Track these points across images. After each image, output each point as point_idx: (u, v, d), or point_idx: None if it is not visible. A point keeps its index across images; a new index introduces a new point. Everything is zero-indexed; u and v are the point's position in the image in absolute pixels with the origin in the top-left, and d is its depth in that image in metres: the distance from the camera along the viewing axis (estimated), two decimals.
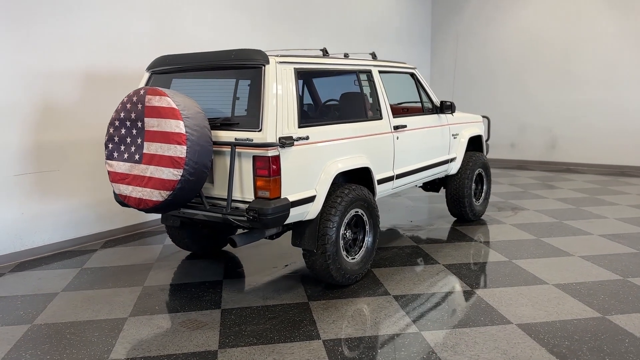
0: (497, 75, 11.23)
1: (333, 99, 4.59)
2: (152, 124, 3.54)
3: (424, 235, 5.61)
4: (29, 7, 4.93)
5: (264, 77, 3.61)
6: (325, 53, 4.25)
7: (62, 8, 5.18)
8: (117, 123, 3.74)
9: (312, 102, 4.36)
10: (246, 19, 7.15)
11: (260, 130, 3.53)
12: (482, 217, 6.36)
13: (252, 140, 3.53)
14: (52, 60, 5.15)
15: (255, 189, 3.56)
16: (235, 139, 3.61)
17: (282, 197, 3.58)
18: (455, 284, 4.17)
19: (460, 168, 5.97)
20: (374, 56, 4.87)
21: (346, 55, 4.51)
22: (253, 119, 3.60)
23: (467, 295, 3.96)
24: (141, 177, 3.60)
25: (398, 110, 6.07)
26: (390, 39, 10.57)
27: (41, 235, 5.22)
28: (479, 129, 6.38)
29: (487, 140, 6.88)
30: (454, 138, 5.81)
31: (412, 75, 5.32)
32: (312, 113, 4.30)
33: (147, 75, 4.33)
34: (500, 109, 11.27)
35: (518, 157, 11.16)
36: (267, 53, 3.75)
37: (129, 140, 3.68)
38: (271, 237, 4.11)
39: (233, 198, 3.70)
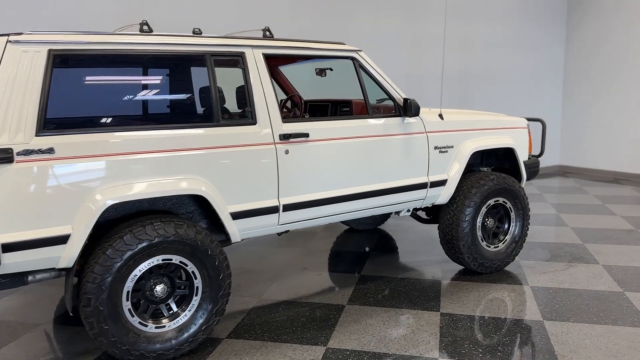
0: None
1: (141, 94, 3.23)
2: None
3: (367, 291, 3.92)
4: None
5: None
6: (145, 29, 2.97)
7: None
8: None
9: (101, 100, 3.08)
10: None
11: None
12: (505, 268, 4.33)
13: None
14: None
15: None
16: None
17: None
18: None
19: (454, 196, 4.08)
20: (266, 33, 3.39)
21: (197, 32, 3.15)
22: None
23: None
24: None
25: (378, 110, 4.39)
26: (503, 15, 8.35)
27: None
28: (511, 139, 4.34)
29: (539, 155, 4.72)
30: (440, 152, 3.95)
31: (353, 61, 3.66)
32: (86, 115, 3.04)
33: None
34: None
35: None
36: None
37: None
38: None
39: None
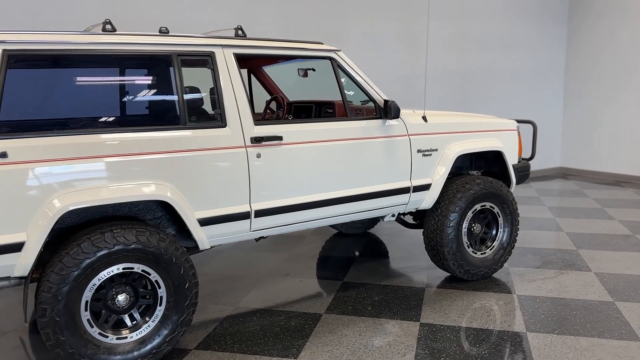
0: None
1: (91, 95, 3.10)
2: None
3: (347, 299, 3.80)
4: None
5: None
6: (108, 28, 2.86)
7: None
8: None
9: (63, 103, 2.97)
10: None
11: None
12: (494, 275, 4.18)
13: None
14: None
15: None
16: None
17: None
18: None
19: (439, 201, 3.94)
20: (238, 32, 3.27)
21: (163, 31, 3.04)
22: None
23: None
24: None
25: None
26: (503, 14, 8.18)
27: None
28: (500, 142, 4.19)
29: (530, 158, 4.57)
30: (424, 155, 3.81)
31: (332, 61, 3.53)
32: (43, 118, 2.94)
33: None
34: None
35: None
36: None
37: None
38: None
39: None
